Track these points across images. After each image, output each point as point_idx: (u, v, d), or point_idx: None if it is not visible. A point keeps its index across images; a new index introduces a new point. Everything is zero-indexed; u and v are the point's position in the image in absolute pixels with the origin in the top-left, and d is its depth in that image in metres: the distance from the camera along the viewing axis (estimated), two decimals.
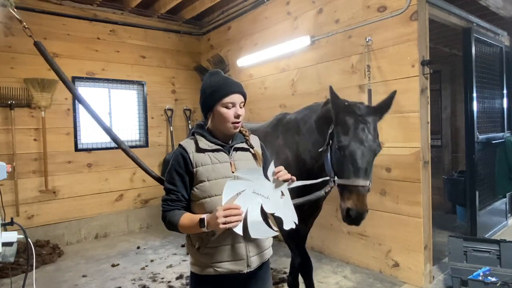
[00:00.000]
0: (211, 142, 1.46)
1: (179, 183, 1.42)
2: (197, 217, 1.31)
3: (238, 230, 1.24)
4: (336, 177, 1.97)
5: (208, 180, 1.41)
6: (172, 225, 1.39)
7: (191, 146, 1.46)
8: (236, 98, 1.45)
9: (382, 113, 2.00)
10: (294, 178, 1.40)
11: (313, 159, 2.27)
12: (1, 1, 1.81)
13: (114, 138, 2.08)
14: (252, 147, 1.54)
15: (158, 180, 2.10)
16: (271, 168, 1.34)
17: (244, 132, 1.55)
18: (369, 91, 3.17)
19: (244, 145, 1.53)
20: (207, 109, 1.49)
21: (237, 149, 1.50)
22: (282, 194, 1.37)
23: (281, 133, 2.55)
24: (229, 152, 1.48)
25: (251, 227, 1.29)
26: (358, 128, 1.89)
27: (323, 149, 2.07)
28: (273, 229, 1.36)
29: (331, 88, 1.95)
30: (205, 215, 1.30)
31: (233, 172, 1.43)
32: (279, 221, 1.41)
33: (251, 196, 1.29)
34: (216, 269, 1.38)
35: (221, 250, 1.38)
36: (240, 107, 1.47)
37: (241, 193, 1.27)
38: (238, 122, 1.45)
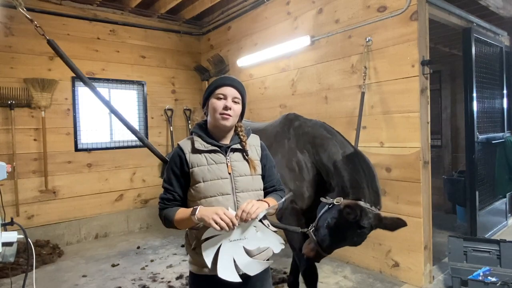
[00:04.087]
0: (207, 142, 1.45)
1: (175, 182, 1.44)
2: (190, 208, 1.35)
3: (236, 278, 1.30)
4: (313, 227, 2.08)
5: (203, 181, 1.41)
6: (168, 221, 1.42)
7: (188, 146, 1.46)
8: (228, 90, 1.45)
9: (384, 229, 1.97)
10: (261, 207, 1.35)
11: (327, 174, 2.29)
12: (10, 1, 1.81)
13: (135, 133, 2.10)
14: (247, 153, 1.50)
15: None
16: (233, 213, 1.34)
17: (241, 136, 1.52)
18: (362, 94, 3.18)
19: (241, 147, 1.52)
20: (204, 102, 1.52)
21: (234, 150, 1.49)
22: (256, 227, 1.37)
23: (293, 136, 2.50)
24: (226, 153, 1.46)
25: (246, 269, 1.33)
26: (354, 233, 1.93)
27: (325, 202, 2.08)
28: (267, 260, 1.45)
29: (357, 204, 1.90)
30: (199, 206, 1.34)
31: (229, 173, 1.43)
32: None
33: (230, 245, 1.32)
34: (211, 270, 1.36)
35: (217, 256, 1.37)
36: (234, 102, 1.46)
37: (220, 248, 1.30)
38: (226, 114, 1.43)
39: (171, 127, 5.40)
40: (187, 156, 1.43)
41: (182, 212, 1.39)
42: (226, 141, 1.50)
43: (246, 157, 1.49)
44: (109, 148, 4.86)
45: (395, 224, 1.92)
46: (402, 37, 3.02)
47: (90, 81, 1.98)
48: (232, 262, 1.30)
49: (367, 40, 3.24)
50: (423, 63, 2.94)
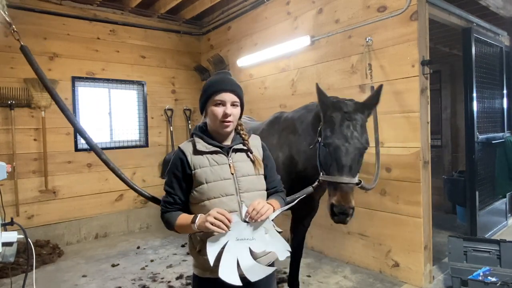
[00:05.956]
0: (209, 143, 1.45)
1: (176, 185, 1.44)
2: (191, 216, 1.36)
3: (236, 281, 1.23)
4: (323, 173, 1.97)
5: (206, 183, 1.40)
6: (170, 226, 1.45)
7: (189, 148, 1.45)
8: (226, 96, 1.43)
9: (371, 108, 2.01)
10: (271, 208, 1.37)
11: (308, 160, 2.23)
12: None
13: (97, 152, 2.05)
14: (251, 152, 1.50)
15: (151, 199, 2.14)
16: (244, 210, 1.32)
17: (243, 135, 1.52)
18: (372, 88, 3.16)
19: (243, 147, 1.51)
20: (202, 107, 1.52)
21: (236, 151, 1.48)
22: (266, 229, 1.35)
23: (276, 131, 2.53)
24: (228, 154, 1.46)
25: (248, 273, 1.28)
26: (344, 125, 1.90)
27: (313, 146, 2.08)
28: (270, 266, 1.40)
29: (317, 86, 1.97)
30: (199, 215, 1.34)
31: (232, 174, 1.42)
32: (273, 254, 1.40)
33: (235, 244, 1.28)
34: (214, 272, 1.33)
35: (219, 255, 1.36)
36: (233, 105, 1.45)
37: (225, 246, 1.26)
38: (227, 122, 1.42)
39: (171, 127, 5.39)
40: (189, 158, 1.42)
41: (183, 219, 1.40)
42: (227, 142, 1.50)
43: (251, 155, 1.49)
44: (109, 148, 4.85)
45: (373, 95, 1.99)
46: (402, 37, 3.02)
47: (57, 93, 1.95)
48: (236, 263, 1.26)
49: (367, 40, 3.23)
50: (423, 63, 2.94)
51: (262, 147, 1.60)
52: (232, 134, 1.52)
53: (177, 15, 5.29)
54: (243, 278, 1.29)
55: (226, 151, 1.46)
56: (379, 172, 2.80)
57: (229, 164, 1.44)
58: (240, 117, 1.54)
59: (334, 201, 1.83)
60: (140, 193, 2.15)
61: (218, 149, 1.45)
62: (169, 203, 1.45)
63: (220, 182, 1.40)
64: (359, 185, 1.94)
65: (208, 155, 1.43)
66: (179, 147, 1.48)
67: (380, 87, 1.99)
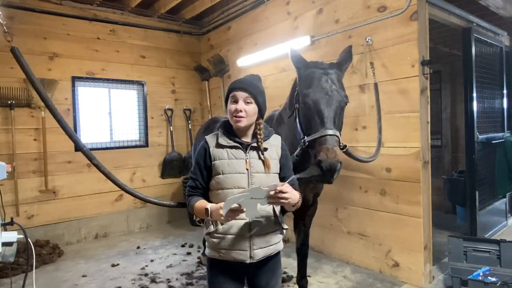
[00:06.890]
0: (230, 139, 1.58)
1: (198, 172, 1.60)
2: (205, 205, 1.48)
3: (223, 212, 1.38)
4: (305, 137, 1.96)
5: (223, 174, 1.54)
6: (190, 209, 1.60)
7: (213, 141, 1.60)
8: (238, 94, 1.56)
9: (343, 66, 2.10)
10: (296, 197, 1.49)
11: (294, 148, 2.16)
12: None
13: (96, 163, 2.09)
14: (263, 151, 1.58)
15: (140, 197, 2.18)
16: (276, 185, 1.38)
17: (258, 134, 1.60)
18: (375, 85, 3.15)
19: (262, 146, 1.61)
20: (225, 107, 1.65)
21: (253, 148, 1.59)
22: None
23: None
24: (246, 150, 1.57)
25: (248, 211, 1.40)
26: (321, 79, 1.94)
27: (291, 114, 2.09)
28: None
29: (291, 49, 2.03)
30: (210, 205, 1.47)
31: (247, 169, 1.54)
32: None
33: (248, 200, 1.37)
34: (221, 254, 1.53)
35: (226, 239, 1.52)
36: (247, 103, 1.54)
37: (240, 200, 1.36)
38: (238, 117, 1.53)
39: (171, 127, 5.39)
40: (211, 149, 1.58)
41: (199, 205, 1.53)
42: (248, 139, 1.61)
43: (262, 155, 1.58)
44: (109, 148, 4.85)
45: (345, 54, 2.12)
46: (402, 37, 3.02)
47: (49, 97, 1.94)
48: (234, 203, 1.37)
49: (367, 40, 3.23)
50: (423, 63, 2.94)
51: (282, 147, 1.69)
52: (252, 131, 1.62)
53: (177, 15, 5.29)
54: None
55: (245, 147, 1.58)
56: (380, 147, 3.01)
57: (246, 160, 1.56)
58: (262, 116, 1.62)
59: (320, 157, 1.78)
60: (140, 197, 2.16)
61: (238, 145, 1.57)
62: (191, 187, 1.61)
63: (235, 175, 1.53)
64: (344, 150, 1.92)
65: (228, 149, 1.57)
66: (205, 139, 1.63)
67: (350, 47, 2.15)
